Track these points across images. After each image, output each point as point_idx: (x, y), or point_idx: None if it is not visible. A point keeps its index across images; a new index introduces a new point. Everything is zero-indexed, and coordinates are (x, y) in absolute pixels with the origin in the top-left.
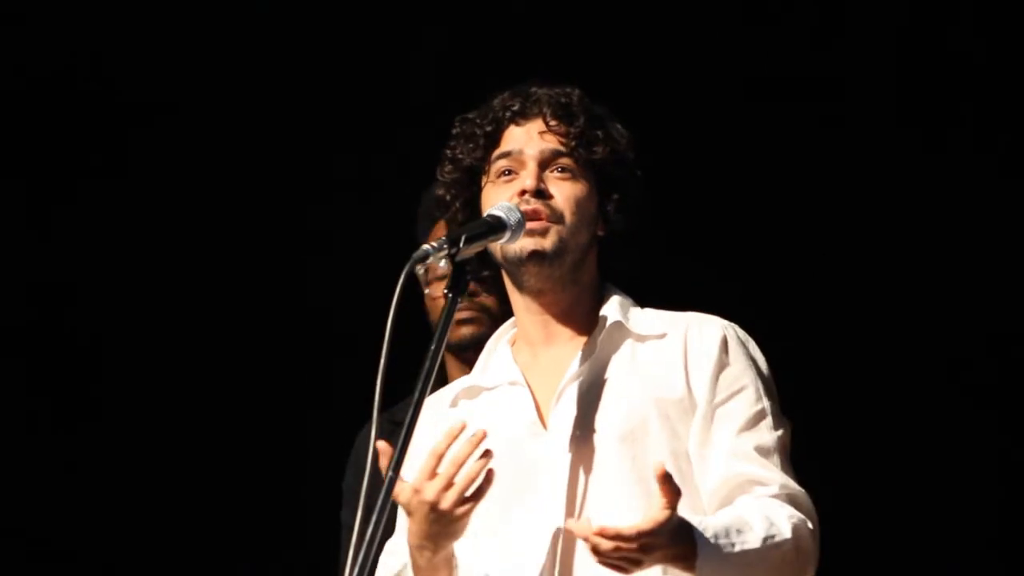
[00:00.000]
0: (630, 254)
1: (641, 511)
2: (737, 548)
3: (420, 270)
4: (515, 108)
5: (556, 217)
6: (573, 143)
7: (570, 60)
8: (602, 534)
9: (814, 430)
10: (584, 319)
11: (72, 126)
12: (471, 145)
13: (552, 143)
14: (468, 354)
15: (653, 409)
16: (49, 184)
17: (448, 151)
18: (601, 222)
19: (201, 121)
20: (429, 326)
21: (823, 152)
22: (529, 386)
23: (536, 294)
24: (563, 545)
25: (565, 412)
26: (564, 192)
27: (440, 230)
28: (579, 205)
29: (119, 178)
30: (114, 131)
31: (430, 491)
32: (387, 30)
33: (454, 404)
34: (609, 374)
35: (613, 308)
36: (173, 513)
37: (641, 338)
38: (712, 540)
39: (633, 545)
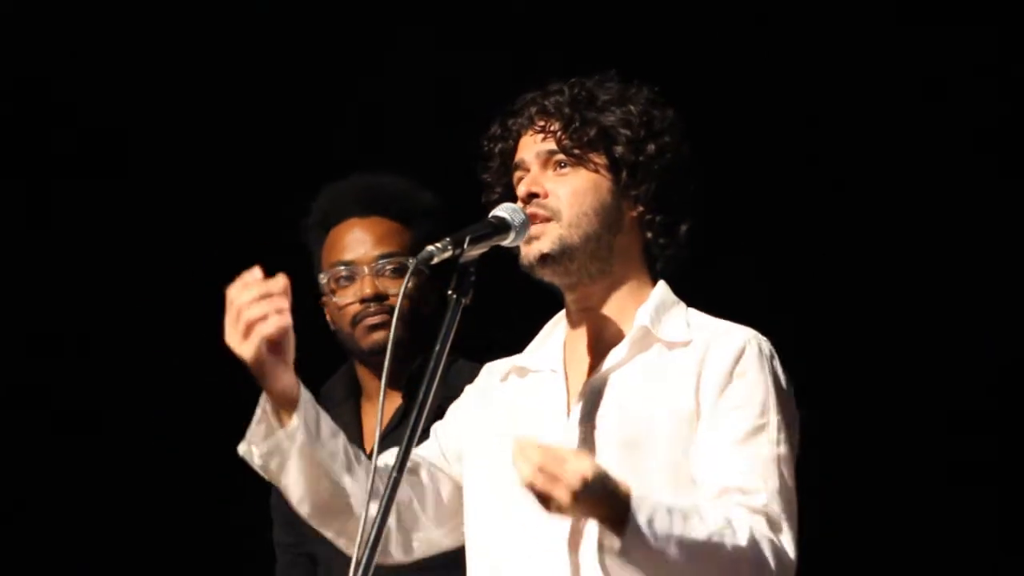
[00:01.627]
0: (663, 235)
1: None
2: (676, 531)
3: (323, 279)
4: (521, 120)
5: (553, 215)
6: (560, 136)
7: (570, 60)
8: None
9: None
10: (625, 313)
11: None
12: (492, 165)
13: (545, 143)
14: (379, 358)
15: (663, 420)
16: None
17: (482, 176)
18: (627, 205)
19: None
20: (330, 333)
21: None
22: (567, 375)
23: (567, 289)
24: (570, 537)
25: (580, 411)
26: (561, 188)
27: (334, 243)
28: (577, 197)
29: (118, 178)
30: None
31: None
32: (387, 30)
33: (504, 379)
34: (631, 379)
35: (648, 310)
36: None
37: (670, 345)
38: (648, 514)
39: (542, 460)
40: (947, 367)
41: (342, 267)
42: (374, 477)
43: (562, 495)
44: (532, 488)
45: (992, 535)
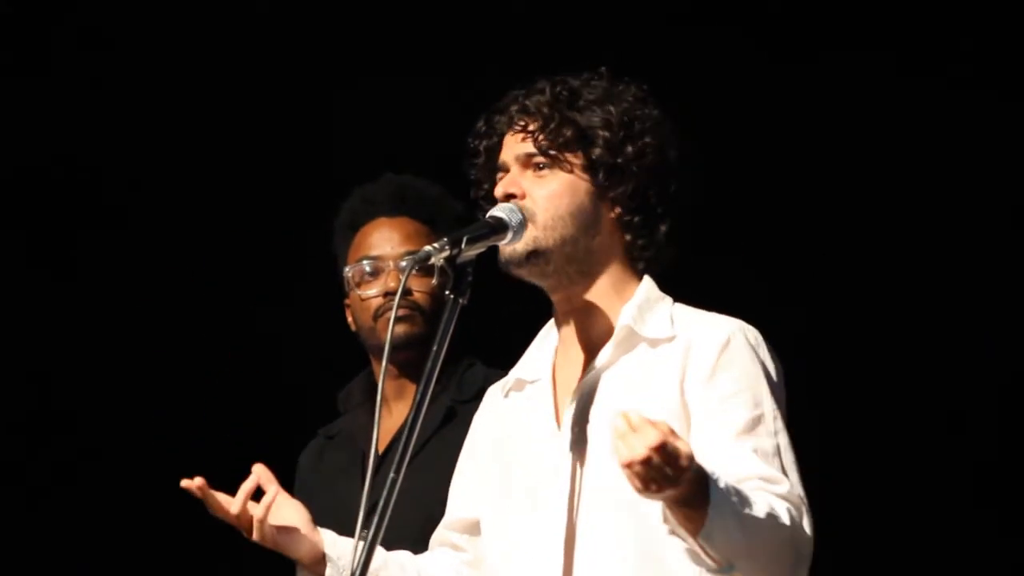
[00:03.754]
0: (641, 237)
1: (626, 532)
2: (744, 510)
3: (348, 272)
4: (503, 118)
5: (528, 217)
6: (538, 136)
7: (570, 60)
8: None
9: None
10: (611, 313)
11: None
12: (478, 162)
13: (524, 144)
14: (398, 354)
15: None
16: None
17: (469, 173)
18: (605, 206)
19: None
20: (349, 333)
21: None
22: (557, 382)
23: (549, 291)
24: (565, 545)
25: (571, 417)
26: (537, 190)
27: (361, 242)
28: (552, 200)
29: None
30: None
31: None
32: (386, 31)
33: (506, 395)
34: (617, 380)
35: (631, 309)
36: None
37: (654, 342)
38: (725, 493)
39: (656, 440)
40: (947, 367)
41: (368, 261)
42: (370, 485)
43: (674, 476)
44: (647, 465)
45: (992, 535)
